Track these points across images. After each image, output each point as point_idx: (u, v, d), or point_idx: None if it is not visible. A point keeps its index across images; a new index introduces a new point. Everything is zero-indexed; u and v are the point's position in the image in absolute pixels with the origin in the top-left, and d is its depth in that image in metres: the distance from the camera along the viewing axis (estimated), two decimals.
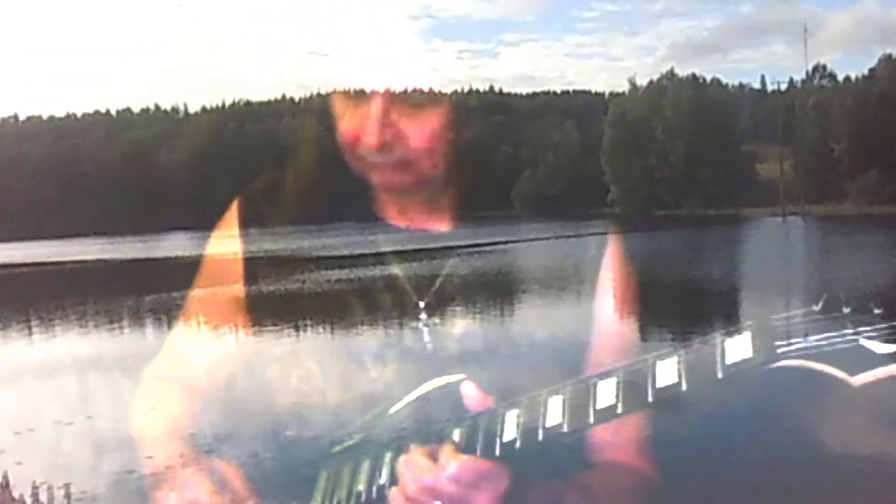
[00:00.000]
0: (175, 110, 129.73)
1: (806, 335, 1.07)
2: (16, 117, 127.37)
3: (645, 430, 1.46)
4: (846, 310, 1.06)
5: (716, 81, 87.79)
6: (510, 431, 1.27)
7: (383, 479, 1.36)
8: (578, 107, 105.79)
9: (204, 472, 1.39)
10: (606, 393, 1.20)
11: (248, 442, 1.54)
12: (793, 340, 1.07)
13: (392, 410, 1.45)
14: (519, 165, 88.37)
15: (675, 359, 1.15)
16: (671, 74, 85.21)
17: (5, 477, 1.46)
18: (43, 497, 1.44)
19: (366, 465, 1.40)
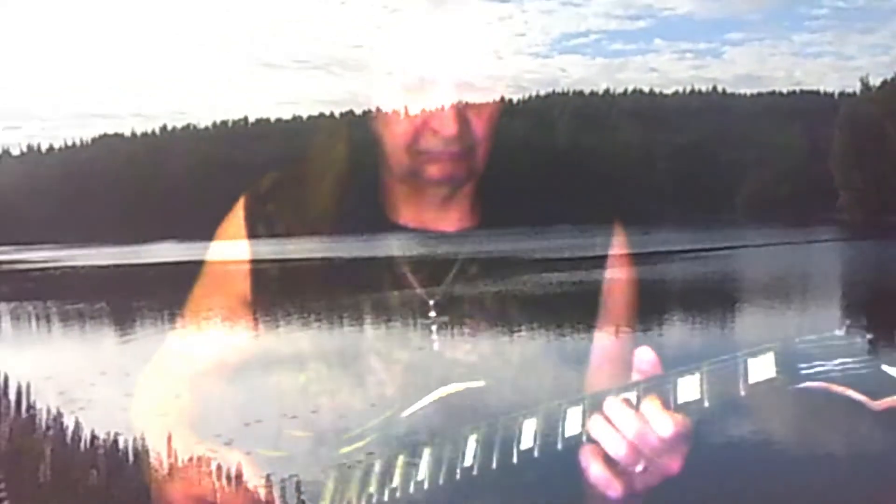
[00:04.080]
0: (396, 112, 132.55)
1: (828, 358, 1.06)
2: (245, 120, 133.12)
3: None
4: (869, 335, 1.06)
5: None
6: (527, 440, 1.27)
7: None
8: (806, 108, 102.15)
9: None
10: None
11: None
12: (815, 363, 1.06)
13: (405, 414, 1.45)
14: (743, 169, 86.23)
15: (697, 376, 1.15)
16: None
17: (238, 467, 1.51)
18: (275, 489, 1.48)
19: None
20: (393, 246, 1.70)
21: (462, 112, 1.55)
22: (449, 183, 1.62)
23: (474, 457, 1.32)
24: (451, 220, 1.70)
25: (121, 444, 1.72)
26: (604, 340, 1.62)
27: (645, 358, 1.28)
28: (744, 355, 1.11)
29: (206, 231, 1.85)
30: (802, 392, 1.07)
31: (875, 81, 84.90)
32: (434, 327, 1.66)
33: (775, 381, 1.08)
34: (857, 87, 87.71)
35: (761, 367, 1.10)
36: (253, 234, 1.79)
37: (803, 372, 1.07)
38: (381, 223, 1.72)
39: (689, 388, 1.15)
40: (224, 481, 1.52)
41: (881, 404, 1.03)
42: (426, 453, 1.38)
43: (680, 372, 1.17)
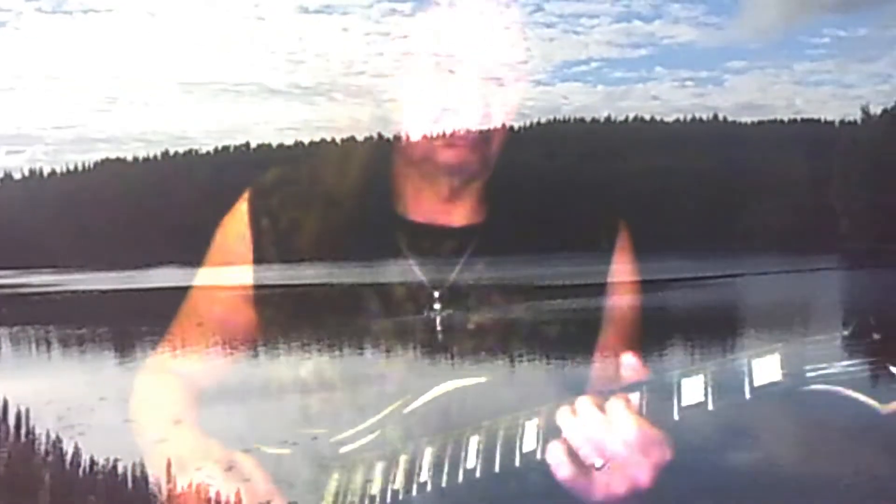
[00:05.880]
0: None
1: (835, 360, 1.06)
2: (247, 145, 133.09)
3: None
4: (876, 336, 1.05)
5: None
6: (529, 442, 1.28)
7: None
8: (807, 136, 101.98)
9: None
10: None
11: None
12: (821, 365, 1.06)
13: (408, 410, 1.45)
14: (744, 196, 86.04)
15: (701, 377, 1.15)
16: None
17: (238, 495, 1.51)
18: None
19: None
20: (399, 241, 1.70)
21: (486, 101, 1.55)
22: (461, 171, 1.61)
23: (476, 456, 1.32)
24: (458, 214, 1.69)
25: (119, 470, 1.72)
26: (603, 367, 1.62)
27: (629, 363, 1.29)
28: (749, 356, 1.10)
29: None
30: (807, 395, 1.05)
31: (876, 110, 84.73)
32: (438, 321, 1.67)
33: (781, 384, 1.06)
34: (858, 116, 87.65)
35: (767, 370, 1.08)
36: (256, 227, 1.79)
37: (809, 375, 1.05)
38: (385, 219, 1.72)
39: (693, 390, 1.14)
40: None
41: (890, 408, 1.02)
42: (428, 452, 1.38)
43: (683, 373, 1.15)
